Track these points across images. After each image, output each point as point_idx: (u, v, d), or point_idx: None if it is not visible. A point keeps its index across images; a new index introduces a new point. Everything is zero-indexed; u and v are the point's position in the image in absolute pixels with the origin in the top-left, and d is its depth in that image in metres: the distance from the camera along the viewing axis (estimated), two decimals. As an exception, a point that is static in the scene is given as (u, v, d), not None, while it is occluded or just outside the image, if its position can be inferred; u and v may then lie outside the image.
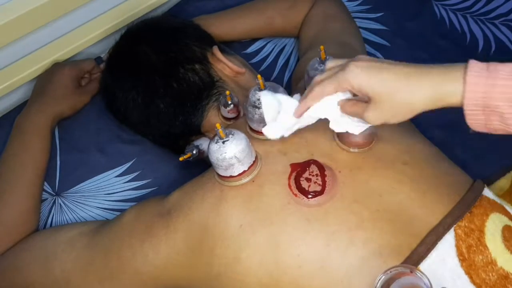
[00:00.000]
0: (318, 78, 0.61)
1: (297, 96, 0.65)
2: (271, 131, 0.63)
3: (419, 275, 0.54)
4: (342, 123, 0.63)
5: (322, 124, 0.65)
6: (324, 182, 0.65)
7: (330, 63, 0.62)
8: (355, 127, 0.63)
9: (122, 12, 1.02)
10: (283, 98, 0.64)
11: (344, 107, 0.61)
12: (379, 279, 0.56)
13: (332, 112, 0.62)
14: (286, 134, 0.64)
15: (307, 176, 0.66)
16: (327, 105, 0.61)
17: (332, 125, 0.64)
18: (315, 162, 0.67)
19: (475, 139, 0.87)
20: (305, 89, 0.75)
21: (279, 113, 0.62)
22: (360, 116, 0.59)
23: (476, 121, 0.53)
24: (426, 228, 0.62)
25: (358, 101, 0.59)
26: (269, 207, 0.65)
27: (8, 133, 0.89)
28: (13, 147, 0.87)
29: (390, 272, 0.56)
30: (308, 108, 0.62)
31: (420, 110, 0.55)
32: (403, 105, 0.55)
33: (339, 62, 0.61)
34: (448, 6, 1.12)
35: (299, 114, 0.63)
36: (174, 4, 1.12)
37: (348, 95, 0.61)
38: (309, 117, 0.63)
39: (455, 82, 0.52)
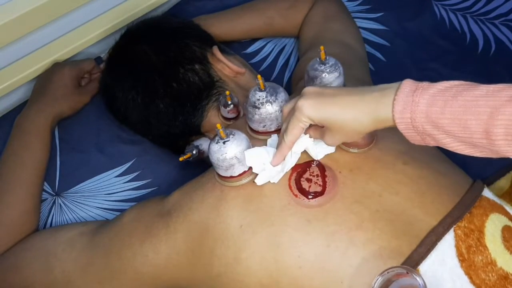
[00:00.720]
0: (283, 128, 0.65)
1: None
2: (262, 180, 0.66)
3: (414, 275, 0.55)
4: (319, 149, 0.67)
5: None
6: (324, 182, 0.65)
7: (285, 109, 0.65)
8: (330, 147, 0.67)
9: (122, 12, 1.02)
10: (269, 149, 0.67)
11: (310, 133, 0.66)
12: (376, 281, 0.56)
13: (306, 143, 0.66)
14: (275, 180, 0.66)
15: (308, 177, 0.66)
16: (299, 141, 0.65)
17: (312, 155, 0.68)
18: (315, 163, 0.67)
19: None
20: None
21: (264, 163, 0.66)
22: (321, 139, 0.64)
23: (414, 140, 0.56)
24: (426, 229, 0.63)
25: (317, 127, 0.64)
26: (269, 208, 0.65)
27: (8, 133, 0.89)
28: (13, 147, 0.87)
29: (387, 273, 0.56)
30: (285, 156, 0.66)
31: (369, 131, 0.59)
32: (352, 131, 0.59)
33: (291, 104, 0.64)
34: (448, 6, 1.12)
35: (277, 163, 0.66)
36: (174, 4, 1.12)
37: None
38: (291, 158, 0.66)
39: (386, 109, 0.55)
